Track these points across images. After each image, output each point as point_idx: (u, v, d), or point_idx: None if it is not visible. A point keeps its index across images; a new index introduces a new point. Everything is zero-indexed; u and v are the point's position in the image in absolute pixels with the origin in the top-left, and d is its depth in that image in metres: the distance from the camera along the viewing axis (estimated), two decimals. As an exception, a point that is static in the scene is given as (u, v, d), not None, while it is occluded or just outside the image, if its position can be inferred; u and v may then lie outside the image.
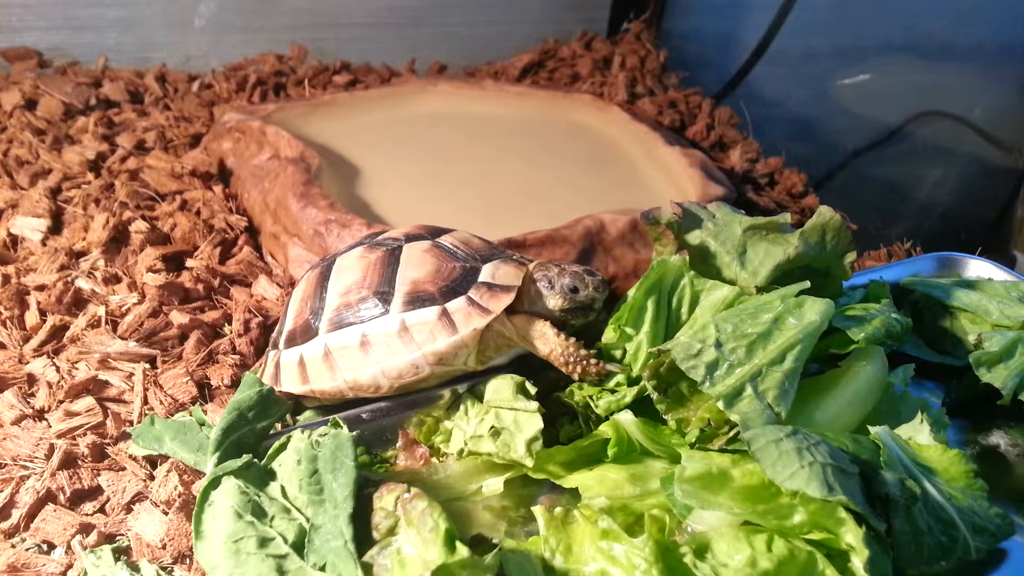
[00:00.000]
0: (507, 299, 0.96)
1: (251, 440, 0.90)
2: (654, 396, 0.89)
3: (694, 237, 1.04)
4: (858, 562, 0.75)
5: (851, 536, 0.76)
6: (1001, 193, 2.55)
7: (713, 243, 1.03)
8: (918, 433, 0.91)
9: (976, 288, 1.14)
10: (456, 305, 0.95)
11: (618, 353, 0.99)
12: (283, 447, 0.87)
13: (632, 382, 0.97)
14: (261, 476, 0.84)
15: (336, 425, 0.87)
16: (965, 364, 1.04)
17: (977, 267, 1.26)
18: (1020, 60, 2.57)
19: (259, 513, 0.80)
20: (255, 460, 0.85)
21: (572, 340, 0.95)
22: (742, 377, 0.86)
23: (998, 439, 1.04)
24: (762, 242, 1.03)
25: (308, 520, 0.80)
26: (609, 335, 1.00)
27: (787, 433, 0.77)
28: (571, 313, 0.99)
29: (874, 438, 0.86)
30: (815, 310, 0.92)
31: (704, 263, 1.04)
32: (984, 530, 0.83)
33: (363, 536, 0.78)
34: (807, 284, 0.96)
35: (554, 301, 0.98)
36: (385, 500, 0.79)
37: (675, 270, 1.00)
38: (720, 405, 0.85)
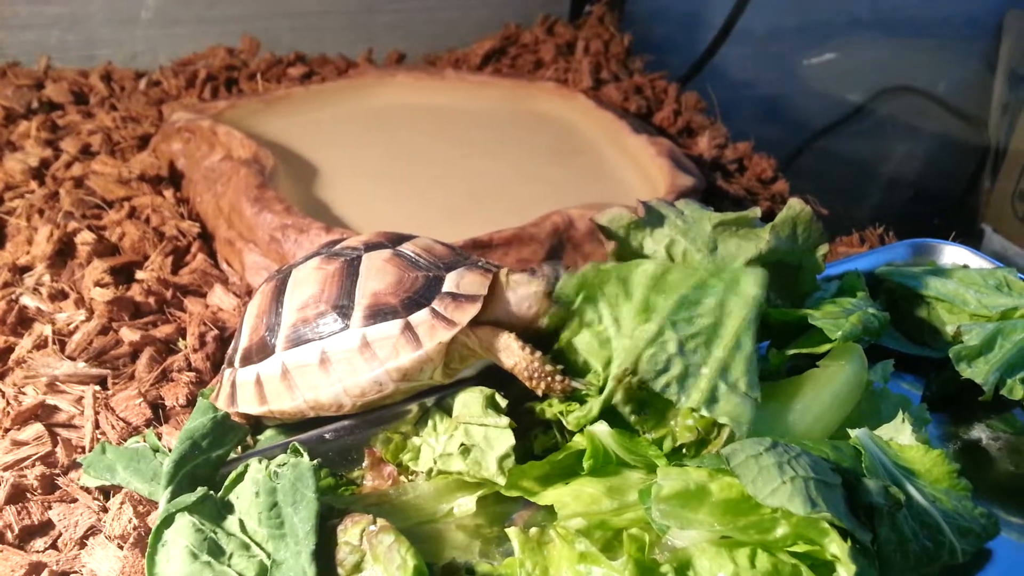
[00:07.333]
0: (473, 310, 0.91)
1: (207, 470, 0.85)
2: (632, 420, 0.86)
3: (662, 236, 1.00)
4: (844, 574, 0.73)
5: (836, 547, 0.74)
6: (968, 167, 2.56)
7: (683, 240, 1.00)
8: (899, 433, 0.88)
9: (952, 277, 1.12)
10: (420, 318, 0.91)
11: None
12: (240, 477, 0.82)
13: (599, 390, 0.93)
14: (218, 510, 0.79)
15: (296, 452, 0.82)
16: (944, 356, 1.02)
17: (952, 253, 1.23)
18: (986, 33, 2.56)
19: (216, 552, 0.75)
20: (211, 493, 0.80)
21: (538, 355, 0.90)
22: (711, 377, 0.85)
23: (979, 433, 1.02)
24: (733, 238, 1.01)
25: (269, 556, 0.76)
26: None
27: (767, 447, 0.74)
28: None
29: (854, 443, 0.83)
30: (753, 282, 0.92)
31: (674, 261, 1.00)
32: (969, 532, 0.81)
33: (327, 573, 0.74)
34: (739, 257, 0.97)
35: (536, 286, 0.94)
36: (350, 533, 0.75)
37: (593, 278, 0.94)
38: (703, 412, 0.83)
